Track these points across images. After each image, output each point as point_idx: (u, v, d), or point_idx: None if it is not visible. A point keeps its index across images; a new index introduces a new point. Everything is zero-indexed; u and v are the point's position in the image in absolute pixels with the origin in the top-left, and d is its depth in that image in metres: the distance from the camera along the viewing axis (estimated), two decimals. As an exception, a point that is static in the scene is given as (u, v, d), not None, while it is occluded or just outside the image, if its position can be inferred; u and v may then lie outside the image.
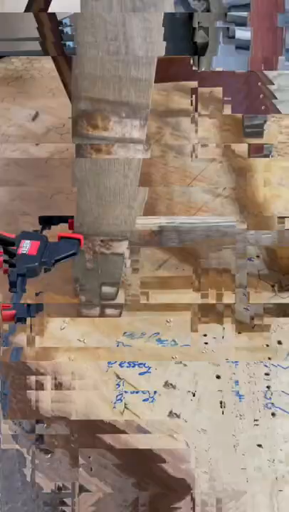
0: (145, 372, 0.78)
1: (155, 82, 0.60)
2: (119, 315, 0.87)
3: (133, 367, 0.79)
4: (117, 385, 0.76)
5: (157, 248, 0.99)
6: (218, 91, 1.54)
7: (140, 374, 0.78)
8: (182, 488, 0.67)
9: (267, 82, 1.11)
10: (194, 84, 1.56)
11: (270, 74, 1.08)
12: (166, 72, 1.27)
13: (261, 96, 1.25)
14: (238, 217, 0.84)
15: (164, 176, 1.20)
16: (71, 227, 0.76)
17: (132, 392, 0.76)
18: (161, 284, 0.93)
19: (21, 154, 1.28)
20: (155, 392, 0.77)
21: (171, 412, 0.76)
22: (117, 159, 0.66)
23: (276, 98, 1.03)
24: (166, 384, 0.76)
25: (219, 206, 1.10)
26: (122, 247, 0.78)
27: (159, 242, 0.82)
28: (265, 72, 1.16)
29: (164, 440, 0.72)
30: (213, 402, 0.75)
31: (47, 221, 0.83)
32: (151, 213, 0.91)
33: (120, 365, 0.79)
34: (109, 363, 0.79)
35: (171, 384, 0.76)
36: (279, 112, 1.01)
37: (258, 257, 0.98)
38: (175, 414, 0.76)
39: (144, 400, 0.76)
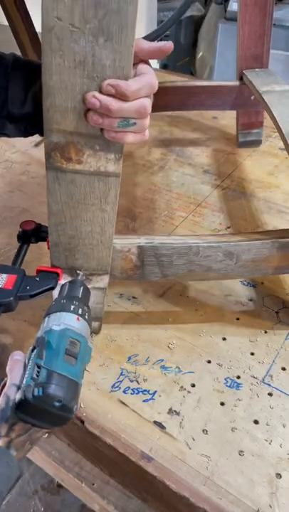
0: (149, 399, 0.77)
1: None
2: (99, 328, 0.86)
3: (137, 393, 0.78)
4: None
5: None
6: (222, 117, 1.57)
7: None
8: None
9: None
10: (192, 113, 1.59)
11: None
12: (160, 101, 1.29)
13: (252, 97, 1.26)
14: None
15: (167, 203, 1.20)
16: (49, 246, 0.75)
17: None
18: (165, 311, 0.92)
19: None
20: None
21: (170, 410, 0.76)
22: (93, 192, 0.64)
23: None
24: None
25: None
26: (103, 281, 0.76)
27: (141, 276, 0.80)
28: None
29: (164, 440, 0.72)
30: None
31: (26, 239, 0.82)
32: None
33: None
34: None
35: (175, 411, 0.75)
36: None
37: (262, 283, 0.97)
38: (174, 411, 0.75)
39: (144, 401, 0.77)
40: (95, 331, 0.87)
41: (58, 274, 0.72)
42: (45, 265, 0.74)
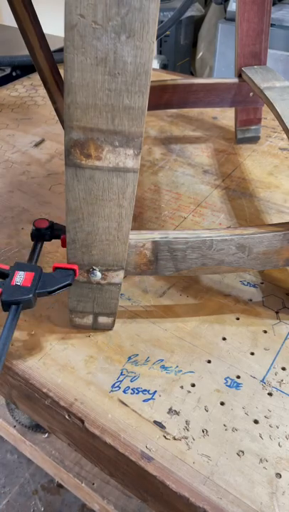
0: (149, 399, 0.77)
1: (149, 109, 0.59)
2: (113, 323, 0.86)
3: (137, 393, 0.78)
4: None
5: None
6: (222, 117, 1.57)
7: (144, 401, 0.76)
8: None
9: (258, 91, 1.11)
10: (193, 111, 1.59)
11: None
12: (159, 99, 1.30)
13: (251, 94, 1.27)
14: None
15: (167, 203, 1.20)
16: (64, 244, 0.75)
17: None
18: (165, 311, 0.92)
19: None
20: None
21: (170, 409, 0.76)
22: (111, 188, 0.65)
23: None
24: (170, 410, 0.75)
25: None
26: (118, 276, 0.77)
27: (154, 271, 0.81)
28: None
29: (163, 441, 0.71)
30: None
31: (40, 237, 0.84)
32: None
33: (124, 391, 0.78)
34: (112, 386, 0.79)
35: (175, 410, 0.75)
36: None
37: (262, 283, 0.97)
38: (174, 411, 0.75)
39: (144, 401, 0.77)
40: (109, 327, 0.87)
41: (74, 271, 0.73)
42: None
